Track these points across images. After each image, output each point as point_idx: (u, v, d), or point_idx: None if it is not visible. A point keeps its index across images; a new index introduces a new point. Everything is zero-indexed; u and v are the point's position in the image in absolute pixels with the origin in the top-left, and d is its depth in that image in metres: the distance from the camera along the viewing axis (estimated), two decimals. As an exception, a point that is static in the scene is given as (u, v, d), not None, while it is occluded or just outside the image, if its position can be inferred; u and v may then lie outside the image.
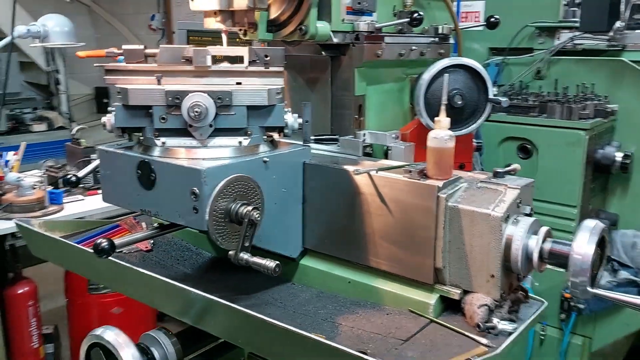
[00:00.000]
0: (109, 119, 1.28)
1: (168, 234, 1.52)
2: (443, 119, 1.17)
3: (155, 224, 1.67)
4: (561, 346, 2.17)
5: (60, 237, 1.51)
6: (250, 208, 1.11)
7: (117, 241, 1.17)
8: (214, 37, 2.00)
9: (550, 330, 2.23)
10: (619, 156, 2.23)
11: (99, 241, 1.14)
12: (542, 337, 2.23)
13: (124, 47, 1.28)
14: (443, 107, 1.18)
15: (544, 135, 2.20)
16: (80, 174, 1.37)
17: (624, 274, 2.06)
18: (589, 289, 1.05)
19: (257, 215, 1.11)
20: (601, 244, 1.06)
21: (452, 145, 1.17)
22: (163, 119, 1.20)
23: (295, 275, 1.40)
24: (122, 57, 1.33)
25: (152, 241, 1.61)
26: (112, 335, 1.18)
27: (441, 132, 1.16)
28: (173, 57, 1.26)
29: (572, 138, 2.12)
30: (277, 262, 1.07)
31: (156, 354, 1.20)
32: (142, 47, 1.29)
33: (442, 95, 1.18)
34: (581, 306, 2.07)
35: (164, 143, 1.22)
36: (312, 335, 0.96)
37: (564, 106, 2.16)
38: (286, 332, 0.98)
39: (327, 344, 0.94)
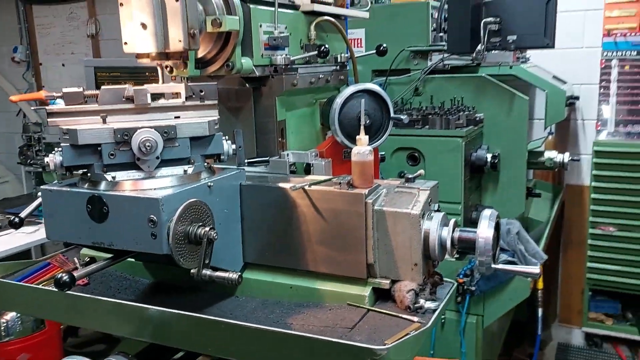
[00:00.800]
0: (52, 159, 1.33)
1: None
2: (363, 137, 1.38)
3: (87, 258, 1.72)
4: (459, 326, 2.50)
5: (-5, 279, 1.51)
6: (207, 229, 1.24)
7: (76, 273, 1.24)
8: (122, 72, 2.07)
9: (449, 314, 2.55)
10: (489, 157, 2.62)
11: (59, 275, 1.21)
12: (443, 321, 2.54)
13: (64, 90, 1.35)
14: (362, 127, 1.40)
15: (428, 144, 2.53)
16: (23, 214, 1.40)
17: (503, 257, 2.43)
18: (492, 265, 1.31)
19: (214, 234, 1.24)
20: (496, 228, 1.33)
21: (372, 158, 1.39)
22: (112, 155, 1.29)
23: (238, 289, 1.53)
24: (53, 100, 1.40)
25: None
26: (78, 362, 1.23)
27: (363, 148, 1.37)
28: (115, 97, 1.35)
29: (451, 145, 2.47)
30: (239, 272, 1.21)
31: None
32: (81, 89, 1.37)
33: (361, 117, 1.40)
34: (473, 288, 2.41)
35: (113, 177, 1.31)
36: (278, 329, 1.11)
37: (442, 118, 2.50)
38: (254, 330, 1.13)
39: (295, 334, 1.11)
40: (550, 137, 4.06)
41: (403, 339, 1.13)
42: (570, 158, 3.08)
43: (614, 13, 3.79)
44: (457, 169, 2.45)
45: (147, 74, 1.98)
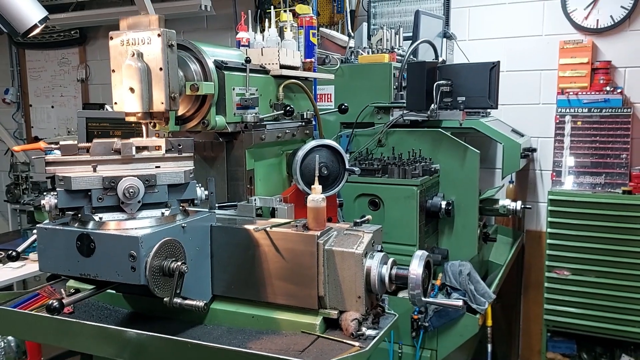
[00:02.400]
0: (47, 201, 1.55)
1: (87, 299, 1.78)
2: (317, 186, 1.62)
3: (72, 290, 1.91)
4: None
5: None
6: (179, 263, 1.46)
7: (65, 300, 1.44)
8: (110, 123, 2.31)
9: (405, 348, 2.74)
10: (444, 204, 2.87)
11: (50, 302, 1.41)
12: (400, 355, 2.74)
13: (61, 142, 1.58)
14: (316, 178, 1.64)
15: (387, 191, 2.77)
16: (20, 249, 1.60)
17: (455, 295, 2.66)
18: (422, 298, 1.54)
19: (185, 268, 1.46)
20: (427, 266, 1.56)
21: (324, 204, 1.63)
22: (100, 198, 1.52)
23: (207, 318, 1.73)
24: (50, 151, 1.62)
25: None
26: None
27: (316, 196, 1.61)
28: (104, 149, 1.59)
29: (408, 192, 2.71)
30: (205, 301, 1.43)
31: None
32: (75, 142, 1.60)
33: (315, 169, 1.65)
34: (426, 324, 2.61)
35: (100, 218, 1.52)
36: (239, 349, 1.32)
37: (400, 168, 2.76)
38: (218, 350, 1.34)
39: (253, 353, 1.32)
40: (510, 185, 4.35)
41: (339, 358, 1.34)
42: (522, 206, 3.34)
43: (567, 73, 4.13)
44: (413, 215, 2.70)
45: (132, 125, 2.22)
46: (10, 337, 2.96)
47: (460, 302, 1.54)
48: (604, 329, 3.78)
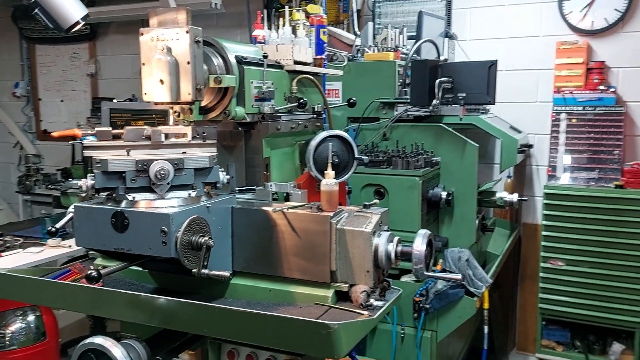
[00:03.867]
0: (84, 182, 1.70)
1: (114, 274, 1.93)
2: (330, 172, 1.78)
3: (100, 267, 2.06)
4: (416, 340, 2.85)
5: (29, 279, 1.85)
6: (206, 238, 1.62)
7: (102, 271, 1.59)
8: (132, 114, 2.46)
9: (407, 329, 2.90)
10: (444, 194, 3.03)
11: (89, 271, 1.56)
12: (402, 335, 2.90)
13: (97, 129, 1.73)
14: (329, 164, 1.80)
15: (391, 182, 2.94)
16: (58, 225, 1.76)
17: (454, 280, 2.82)
18: (425, 272, 1.70)
19: (212, 242, 1.62)
20: (429, 244, 1.72)
21: (337, 189, 1.78)
22: (133, 180, 1.67)
23: (227, 292, 1.88)
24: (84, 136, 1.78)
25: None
26: (101, 340, 1.57)
27: (330, 180, 1.77)
28: (136, 136, 1.74)
29: (411, 182, 2.87)
30: (230, 271, 1.58)
31: (134, 352, 1.62)
32: (110, 129, 1.75)
33: (329, 156, 1.80)
34: (427, 306, 2.77)
35: (134, 197, 1.68)
36: (261, 312, 1.48)
37: (404, 160, 2.92)
38: (242, 313, 1.49)
39: (273, 315, 1.47)
40: (508, 180, 4.51)
41: (350, 321, 1.50)
42: (518, 198, 3.50)
43: (563, 73, 4.29)
44: (416, 204, 2.86)
45: (153, 115, 2.37)
46: (30, 318, 3.12)
47: (459, 276, 1.70)
48: (597, 317, 3.95)
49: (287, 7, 2.41)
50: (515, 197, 3.46)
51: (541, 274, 4.10)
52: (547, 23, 4.39)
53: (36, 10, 1.96)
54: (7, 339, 3.01)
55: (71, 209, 1.74)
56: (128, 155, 1.71)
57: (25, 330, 3.06)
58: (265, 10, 2.50)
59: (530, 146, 4.43)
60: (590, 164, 4.08)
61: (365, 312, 1.65)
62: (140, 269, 1.93)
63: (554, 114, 4.24)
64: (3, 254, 3.10)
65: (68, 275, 2.02)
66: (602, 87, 4.13)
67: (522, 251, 4.62)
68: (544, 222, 4.07)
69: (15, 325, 3.05)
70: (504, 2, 4.51)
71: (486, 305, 2.90)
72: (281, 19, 2.38)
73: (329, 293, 1.74)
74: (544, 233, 4.07)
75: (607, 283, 3.87)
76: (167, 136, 1.77)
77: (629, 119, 4.19)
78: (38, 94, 6.66)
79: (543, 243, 4.08)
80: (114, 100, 5.96)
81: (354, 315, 1.66)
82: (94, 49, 6.27)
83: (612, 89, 4.11)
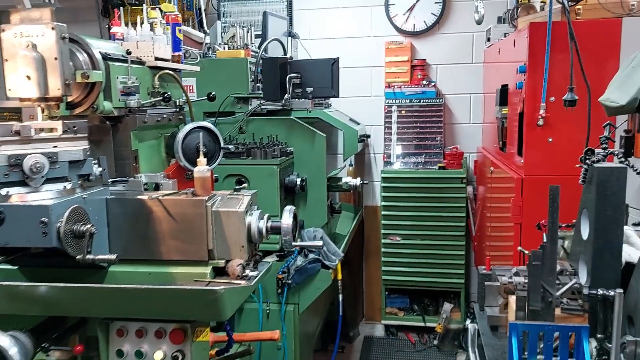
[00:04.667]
0: (-49, 179, 1.67)
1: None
2: (202, 159, 1.94)
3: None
4: (280, 314, 3.11)
5: None
6: (89, 226, 1.69)
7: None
8: (9, 113, 2.37)
9: (272, 306, 3.15)
10: (298, 181, 3.32)
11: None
12: (268, 312, 3.14)
13: (-36, 125, 1.70)
14: (201, 153, 1.96)
15: (251, 171, 3.15)
16: None
17: (311, 256, 3.12)
18: (292, 242, 1.94)
19: (94, 229, 1.70)
20: (294, 218, 1.97)
21: (209, 174, 1.95)
22: (6, 174, 1.68)
23: (105, 280, 1.95)
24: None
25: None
26: (-16, 336, 1.58)
27: (202, 167, 1.93)
28: (5, 131, 1.74)
29: (270, 171, 3.12)
30: (117, 254, 1.68)
31: (19, 342, 1.64)
32: (-24, 124, 1.73)
33: (200, 146, 1.97)
34: (290, 282, 3.04)
35: (7, 192, 1.69)
36: (150, 286, 1.61)
37: (262, 150, 3.15)
38: (137, 290, 1.61)
39: (164, 287, 1.61)
40: (350, 168, 4.97)
41: (233, 287, 1.70)
42: (361, 182, 3.92)
43: (392, 69, 4.85)
44: (275, 190, 3.11)
45: (5, 114, 2.32)
46: None
47: (320, 243, 1.98)
48: (429, 282, 4.56)
49: (144, 6, 2.49)
50: (358, 181, 3.88)
51: (382, 249, 4.62)
52: (377, 25, 4.92)
53: None
54: None
55: None
56: (-2, 150, 1.71)
57: None
58: (98, 5, 2.55)
59: (368, 136, 4.93)
60: (417, 150, 4.67)
61: (243, 282, 1.85)
62: (10, 267, 1.92)
63: (386, 106, 4.77)
64: None
65: None
66: (424, 82, 4.75)
67: (365, 230, 5.12)
68: (383, 203, 4.58)
69: None
70: (339, 5, 4.95)
71: (339, 276, 3.25)
72: (139, 16, 2.47)
73: (207, 270, 1.90)
74: (383, 213, 4.58)
75: (436, 252, 4.49)
76: (36, 131, 1.80)
77: (447, 109, 4.87)
78: None
79: (383, 222, 4.59)
80: None
81: (232, 285, 1.85)
82: None
83: (432, 83, 4.75)
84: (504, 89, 3.39)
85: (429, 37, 4.86)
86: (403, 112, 4.76)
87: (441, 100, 4.71)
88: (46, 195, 1.72)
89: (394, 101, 4.76)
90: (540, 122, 2.72)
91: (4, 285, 1.68)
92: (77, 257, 1.68)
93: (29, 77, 1.78)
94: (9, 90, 1.82)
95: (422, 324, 4.71)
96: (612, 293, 1.54)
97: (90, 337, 1.91)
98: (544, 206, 1.69)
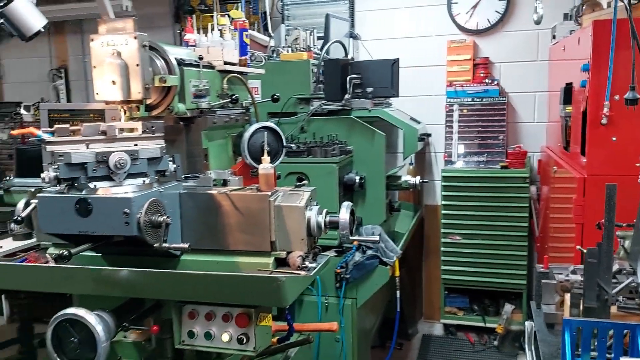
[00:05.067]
0: (47, 174, 1.89)
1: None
2: (266, 157, 2.08)
3: (54, 255, 2.23)
4: (339, 307, 3.23)
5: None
6: (165, 217, 1.86)
7: (72, 250, 1.80)
8: (70, 114, 2.61)
9: (330, 299, 3.27)
10: (357, 179, 3.43)
11: (60, 252, 1.76)
12: (326, 305, 3.26)
13: (56, 126, 1.92)
14: (265, 151, 2.10)
15: (311, 169, 3.28)
16: (24, 214, 1.92)
17: (369, 252, 3.22)
18: (350, 237, 2.05)
19: (170, 220, 1.87)
20: (352, 213, 2.07)
21: (272, 171, 2.09)
22: (94, 170, 1.88)
23: (178, 268, 2.13)
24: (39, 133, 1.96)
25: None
26: (74, 310, 1.78)
27: (266, 165, 2.07)
28: (93, 131, 1.94)
29: (329, 169, 3.24)
30: (189, 243, 1.85)
31: (104, 320, 1.83)
32: (68, 126, 1.94)
33: (264, 145, 2.11)
34: (347, 276, 3.15)
35: (95, 185, 1.89)
36: (219, 273, 1.76)
37: (322, 149, 3.27)
38: (207, 276, 1.77)
39: (232, 274, 1.76)
40: (411, 166, 5.01)
41: (294, 275, 1.82)
42: (420, 180, 3.97)
43: (454, 68, 4.86)
44: (334, 188, 3.22)
45: (90, 115, 2.56)
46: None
47: (376, 238, 2.07)
48: (490, 282, 4.54)
49: (215, 13, 2.66)
50: (417, 179, 3.93)
51: (442, 249, 4.64)
52: (439, 24, 4.94)
53: (1, 21, 2.09)
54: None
55: (34, 200, 1.93)
56: (87, 148, 1.91)
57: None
58: (170, 11, 2.74)
59: (429, 135, 4.95)
60: (479, 149, 4.66)
61: (302, 272, 1.97)
62: (94, 253, 2.12)
63: (448, 105, 4.79)
64: None
65: (27, 262, 2.17)
66: (487, 81, 4.73)
67: (425, 229, 5.15)
68: (443, 202, 4.61)
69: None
70: (400, 5, 5.00)
71: (397, 273, 3.33)
72: (209, 23, 2.64)
73: (270, 260, 2.03)
74: (443, 212, 4.61)
75: (497, 252, 4.47)
76: (120, 131, 1.99)
77: (511, 108, 4.82)
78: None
79: (442, 221, 4.61)
80: (22, 104, 5.87)
81: (293, 275, 1.97)
82: (-4, 51, 6.11)
83: (495, 82, 4.72)
84: (568, 87, 3.35)
85: (492, 35, 4.83)
86: (465, 110, 4.76)
87: (504, 98, 4.67)
88: (128, 189, 1.90)
89: (455, 100, 4.77)
90: (604, 121, 2.68)
91: (91, 269, 1.87)
92: (155, 244, 1.85)
93: (114, 82, 1.97)
94: (97, 94, 2.02)
95: (482, 324, 4.70)
96: (666, 291, 1.55)
97: (164, 320, 2.08)
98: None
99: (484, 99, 4.69)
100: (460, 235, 4.58)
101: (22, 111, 5.70)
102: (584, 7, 3.26)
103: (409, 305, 5.05)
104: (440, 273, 4.70)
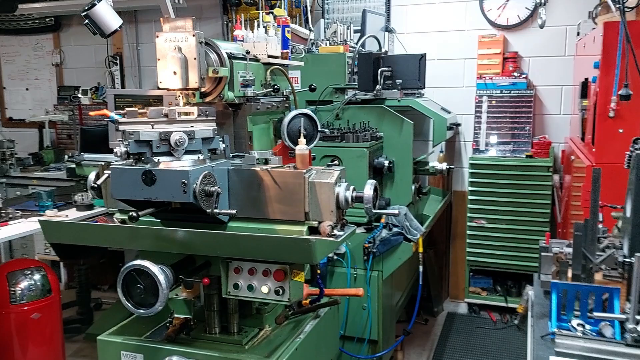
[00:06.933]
0: (118, 149, 2.26)
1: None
2: (302, 140, 2.41)
3: (120, 219, 2.62)
4: (366, 278, 3.55)
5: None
6: (216, 187, 2.22)
7: (140, 213, 2.17)
8: (133, 99, 3.00)
9: (359, 271, 3.59)
10: (386, 163, 3.72)
11: (130, 214, 2.14)
12: (355, 276, 3.59)
13: (126, 109, 2.29)
14: (302, 134, 2.43)
15: (344, 153, 3.60)
16: (99, 182, 2.32)
17: (395, 230, 3.52)
18: (373, 210, 2.36)
19: (220, 190, 2.22)
20: (375, 190, 2.38)
21: (307, 152, 2.41)
22: (158, 146, 2.25)
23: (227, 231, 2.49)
24: (112, 115, 2.34)
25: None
26: (141, 261, 2.16)
27: (303, 146, 2.39)
28: (157, 114, 2.31)
29: (360, 153, 3.54)
30: (236, 209, 2.20)
31: (164, 272, 2.20)
32: (136, 109, 2.31)
33: (301, 129, 2.43)
34: (374, 251, 3.47)
35: (158, 160, 2.26)
36: (256, 234, 2.11)
37: (354, 134, 3.59)
38: (250, 237, 2.12)
39: (268, 236, 2.10)
40: (441, 154, 5.27)
41: (322, 238, 2.15)
42: (447, 167, 4.23)
43: (484, 61, 5.07)
44: (364, 170, 3.53)
45: (150, 100, 2.93)
46: (37, 277, 3.61)
47: (396, 211, 2.37)
48: (513, 265, 4.78)
49: (260, 11, 3.00)
50: (444, 165, 4.20)
51: (468, 232, 4.90)
52: (471, 19, 5.15)
53: (86, 21, 2.48)
54: (17, 294, 3.50)
55: (106, 171, 2.31)
56: (152, 128, 2.28)
57: (34, 287, 3.55)
58: (242, 14, 3.08)
59: (458, 124, 5.20)
60: (506, 139, 4.88)
61: (331, 239, 2.30)
62: (153, 219, 2.50)
63: (477, 97, 5.01)
64: (10, 222, 3.58)
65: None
66: (515, 74, 4.93)
67: (453, 214, 5.41)
68: (470, 188, 4.85)
69: (24, 283, 3.53)
70: (434, 0, 5.23)
71: (420, 249, 3.62)
72: (255, 20, 2.98)
73: (304, 228, 2.36)
74: (469, 197, 4.86)
75: (521, 236, 4.70)
76: (179, 114, 2.35)
77: (538, 100, 5.01)
78: (2, 83, 6.92)
79: (469, 206, 4.87)
80: (80, 89, 6.36)
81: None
82: (57, 39, 6.60)
83: (523, 75, 4.92)
84: (585, 83, 3.55)
85: (521, 31, 5.02)
86: (493, 102, 4.97)
87: (532, 91, 4.87)
88: (186, 164, 2.26)
89: (485, 92, 4.98)
90: (611, 114, 2.90)
91: (153, 229, 2.25)
92: (208, 210, 2.21)
93: (175, 73, 2.33)
94: (160, 82, 2.38)
95: (504, 304, 4.94)
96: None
97: (212, 277, 2.45)
98: (614, 193, 1.98)
99: (512, 91, 4.89)
100: (485, 219, 4.82)
101: (80, 95, 6.20)
102: (599, 8, 3.45)
103: (436, 285, 5.33)
104: (466, 255, 4.96)
